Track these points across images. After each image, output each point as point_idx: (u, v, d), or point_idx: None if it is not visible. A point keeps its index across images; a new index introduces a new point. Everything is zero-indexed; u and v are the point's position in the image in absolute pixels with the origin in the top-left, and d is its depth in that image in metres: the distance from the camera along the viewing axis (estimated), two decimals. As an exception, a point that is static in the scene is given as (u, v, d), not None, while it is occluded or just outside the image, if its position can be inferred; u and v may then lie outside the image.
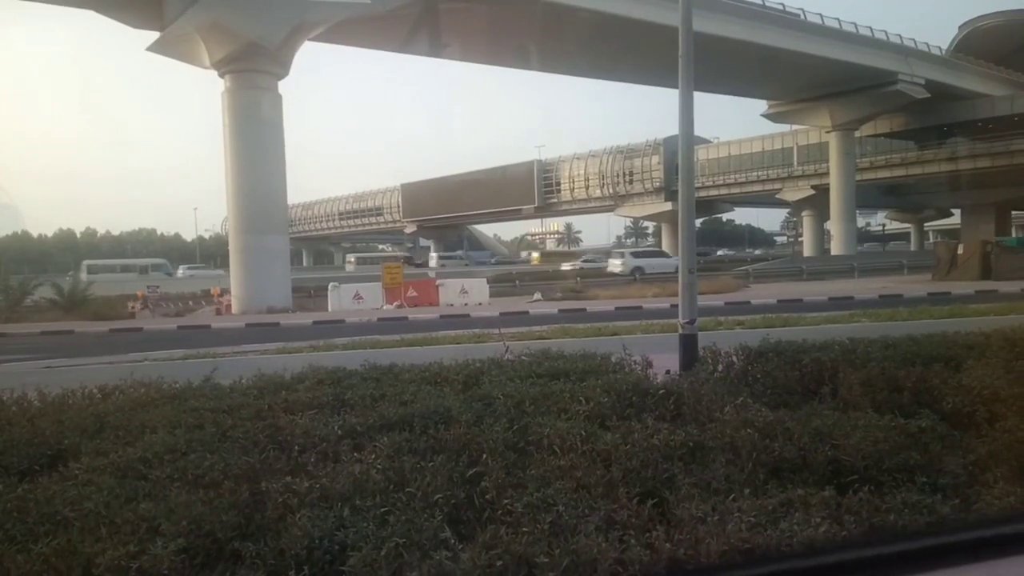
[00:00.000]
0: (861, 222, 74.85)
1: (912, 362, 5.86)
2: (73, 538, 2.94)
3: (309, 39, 26.08)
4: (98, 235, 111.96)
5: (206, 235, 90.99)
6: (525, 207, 71.81)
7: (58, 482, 3.80)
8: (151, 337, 18.59)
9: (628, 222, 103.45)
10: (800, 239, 68.25)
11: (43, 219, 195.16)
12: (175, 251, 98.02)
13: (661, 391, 5.25)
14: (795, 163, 56.85)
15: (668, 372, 6.65)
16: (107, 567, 2.68)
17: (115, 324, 21.57)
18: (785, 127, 55.47)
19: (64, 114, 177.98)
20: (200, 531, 3.06)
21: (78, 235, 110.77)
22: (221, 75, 24.97)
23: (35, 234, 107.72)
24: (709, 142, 62.45)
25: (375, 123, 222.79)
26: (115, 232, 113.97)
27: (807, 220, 61.21)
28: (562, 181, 68.64)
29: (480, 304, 25.01)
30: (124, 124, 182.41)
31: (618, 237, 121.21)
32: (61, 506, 3.34)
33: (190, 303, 29.52)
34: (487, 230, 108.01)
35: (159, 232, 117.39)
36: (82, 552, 2.81)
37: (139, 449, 4.28)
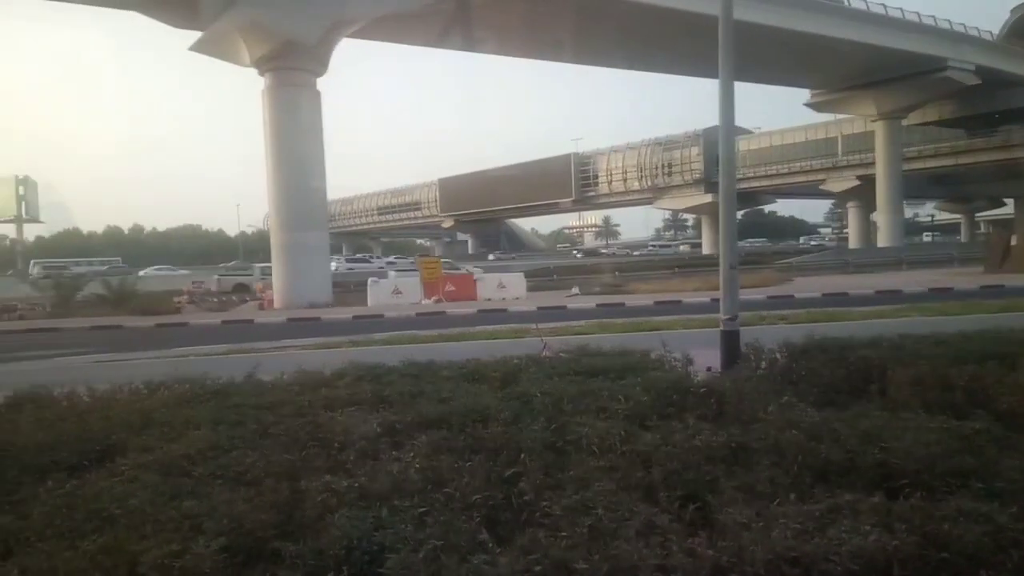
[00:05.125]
0: (908, 213, 72.92)
1: (964, 360, 5.65)
2: (119, 536, 2.98)
3: (346, 36, 26.29)
4: (144, 231, 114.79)
5: (249, 231, 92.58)
6: (562, 200, 71.68)
7: (105, 478, 3.87)
8: (196, 332, 18.98)
9: (667, 215, 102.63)
10: (845, 231, 66.86)
11: (93, 216, 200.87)
12: (217, 246, 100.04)
13: (702, 390, 5.15)
14: (839, 153, 55.67)
15: (709, 369, 6.53)
16: (151, 566, 2.72)
17: (161, 319, 22.08)
18: (829, 116, 54.33)
19: (112, 114, 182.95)
20: (241, 529, 3.08)
21: (125, 231, 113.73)
22: (261, 73, 25.34)
23: (85, 231, 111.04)
24: (750, 132, 61.50)
25: (412, 118, 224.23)
26: (161, 228, 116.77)
27: (852, 211, 59.96)
28: (600, 174, 68.35)
29: (517, 299, 24.98)
30: (170, 123, 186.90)
31: (657, 230, 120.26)
32: (108, 502, 3.39)
33: (234, 298, 30.07)
34: (524, 224, 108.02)
35: (203, 228, 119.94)
36: (127, 550, 2.85)
37: (183, 446, 4.35)
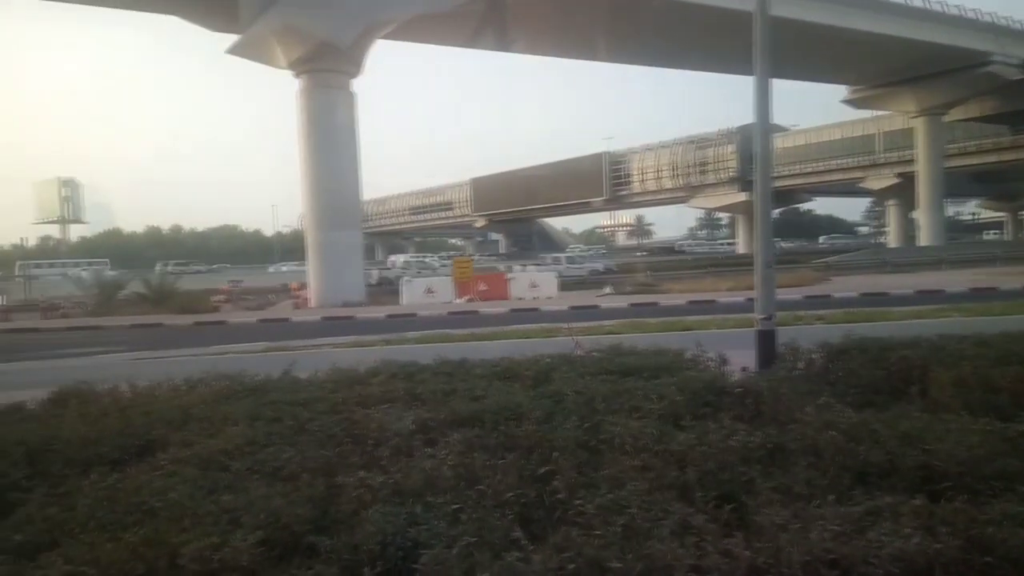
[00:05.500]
0: (950, 211, 71.15)
1: (1008, 361, 5.51)
2: (159, 528, 3.05)
3: (379, 37, 26.47)
4: (183, 231, 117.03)
5: (285, 231, 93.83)
6: (595, 200, 71.34)
7: (146, 472, 3.96)
8: (233, 330, 19.28)
9: (701, 213, 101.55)
10: (884, 229, 65.61)
11: (134, 217, 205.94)
12: (254, 246, 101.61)
13: (738, 390, 5.09)
14: (878, 150, 54.55)
15: (744, 369, 6.45)
16: (190, 558, 2.77)
17: (200, 317, 22.47)
18: (867, 113, 53.24)
19: (152, 117, 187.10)
20: (278, 524, 3.13)
21: (165, 231, 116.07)
22: (296, 76, 25.63)
23: (126, 231, 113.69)
24: (786, 130, 60.58)
25: (444, 118, 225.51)
26: (199, 229, 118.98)
27: (891, 210, 58.73)
28: (632, 173, 67.88)
29: (549, 298, 24.94)
30: (209, 125, 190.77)
31: (690, 229, 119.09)
32: (149, 496, 3.47)
33: (270, 297, 30.49)
34: (556, 223, 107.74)
35: (240, 228, 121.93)
36: (168, 542, 2.91)
37: (221, 441, 4.43)
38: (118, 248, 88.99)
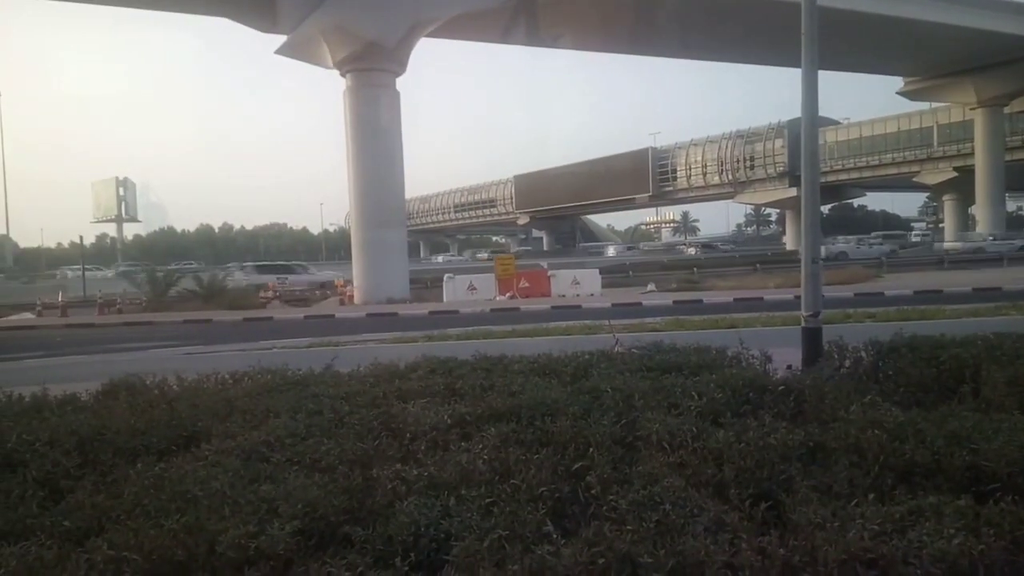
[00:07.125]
0: (1011, 206, 68.64)
1: (1069, 360, 5.28)
2: (200, 516, 3.13)
3: (424, 36, 26.65)
4: (234, 230, 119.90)
5: (331, 229, 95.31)
6: (639, 196, 70.74)
7: (190, 462, 4.07)
8: (280, 326, 19.66)
9: (749, 209, 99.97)
10: (941, 225, 63.64)
11: (186, 215, 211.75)
12: (303, 244, 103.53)
13: (781, 387, 4.98)
14: (935, 143, 52.85)
15: (789, 367, 6.32)
16: (228, 545, 2.83)
17: (248, 313, 22.96)
18: (924, 105, 51.69)
19: (203, 116, 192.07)
20: (314, 514, 3.19)
21: (216, 230, 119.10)
22: (343, 75, 25.98)
23: (179, 229, 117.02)
24: (838, 123, 59.18)
25: (487, 115, 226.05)
26: (248, 227, 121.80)
27: (948, 205, 56.92)
28: (678, 168, 67.10)
29: (592, 295, 24.81)
30: (258, 125, 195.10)
31: (738, 225, 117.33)
32: (192, 485, 3.57)
33: (317, 293, 30.98)
34: (600, 220, 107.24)
35: (289, 227, 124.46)
36: (208, 530, 2.98)
37: (263, 433, 4.52)
38: (170, 246, 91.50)
